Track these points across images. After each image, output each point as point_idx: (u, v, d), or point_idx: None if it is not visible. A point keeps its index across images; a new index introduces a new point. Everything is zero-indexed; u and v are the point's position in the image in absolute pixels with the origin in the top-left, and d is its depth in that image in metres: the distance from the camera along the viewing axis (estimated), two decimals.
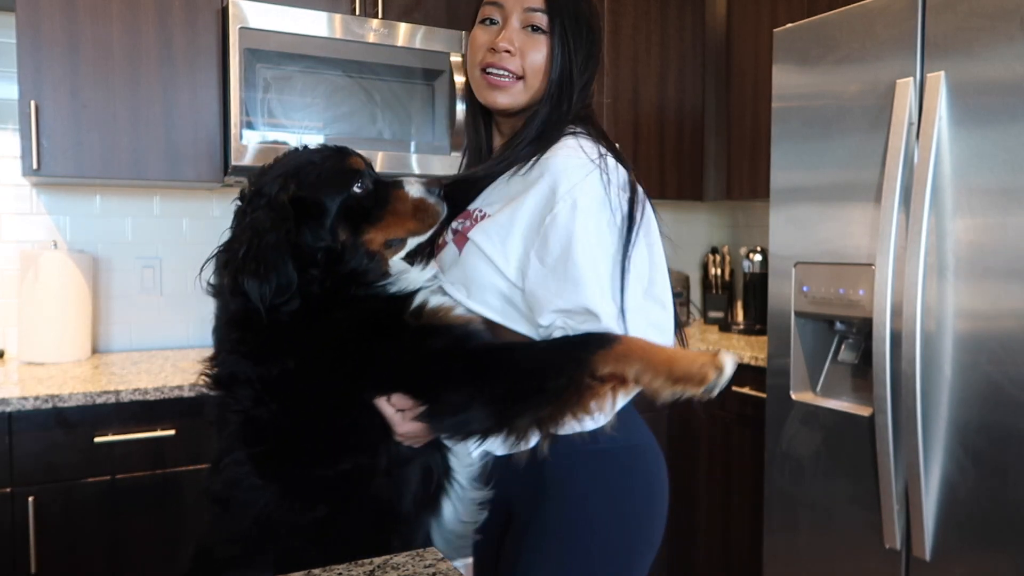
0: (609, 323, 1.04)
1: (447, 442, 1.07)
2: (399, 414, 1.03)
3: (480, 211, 1.14)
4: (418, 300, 1.07)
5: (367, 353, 1.03)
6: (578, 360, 1.00)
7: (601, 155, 1.11)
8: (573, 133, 1.15)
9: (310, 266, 1.03)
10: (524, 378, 1.01)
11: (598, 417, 1.03)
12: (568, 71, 1.15)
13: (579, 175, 1.07)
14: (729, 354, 0.97)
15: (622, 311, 1.07)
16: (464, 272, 1.12)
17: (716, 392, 0.97)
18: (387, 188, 1.12)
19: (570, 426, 1.03)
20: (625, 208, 1.10)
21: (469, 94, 1.24)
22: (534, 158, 1.12)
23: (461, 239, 1.13)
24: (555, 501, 1.12)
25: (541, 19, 1.14)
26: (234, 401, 1.05)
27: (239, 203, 1.14)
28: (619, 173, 1.12)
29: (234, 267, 1.04)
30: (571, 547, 1.11)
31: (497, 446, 1.04)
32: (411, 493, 1.06)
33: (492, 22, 1.17)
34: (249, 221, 1.08)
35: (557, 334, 1.07)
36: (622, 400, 1.04)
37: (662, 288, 1.15)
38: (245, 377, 1.04)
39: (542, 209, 1.07)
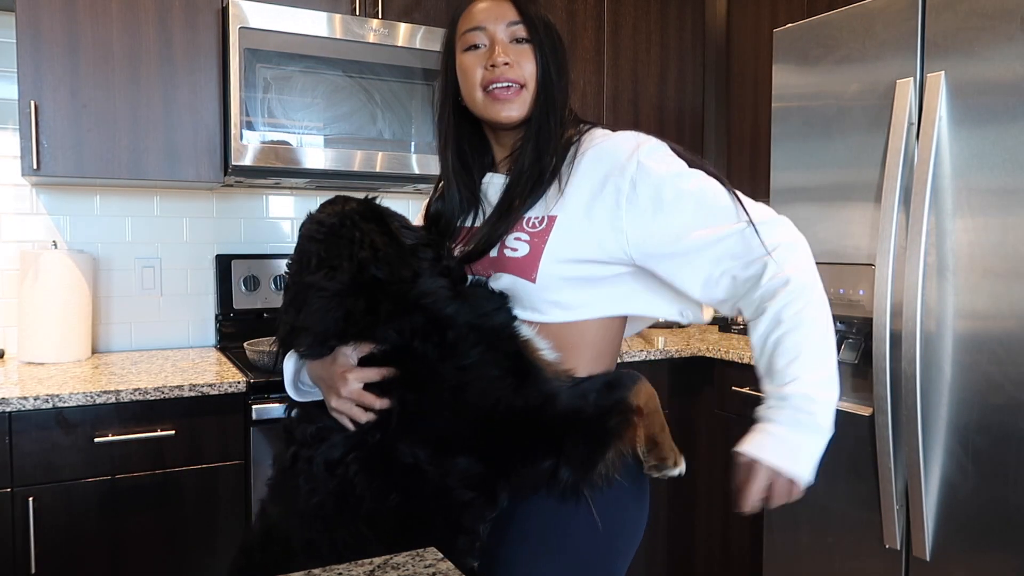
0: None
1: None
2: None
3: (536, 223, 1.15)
4: (521, 332, 1.11)
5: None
6: (621, 399, 1.10)
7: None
8: (588, 128, 1.23)
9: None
10: (594, 426, 1.09)
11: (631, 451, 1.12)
12: (553, 76, 1.19)
13: (629, 145, 1.14)
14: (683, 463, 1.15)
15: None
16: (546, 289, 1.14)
17: (664, 474, 1.14)
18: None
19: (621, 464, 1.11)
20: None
21: (453, 128, 1.26)
22: (567, 158, 1.16)
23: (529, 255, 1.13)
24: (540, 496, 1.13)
25: (522, 31, 1.17)
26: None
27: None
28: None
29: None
30: (553, 541, 1.11)
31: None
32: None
33: (477, 47, 1.19)
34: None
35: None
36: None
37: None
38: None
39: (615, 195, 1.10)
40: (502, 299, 1.12)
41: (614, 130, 1.25)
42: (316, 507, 1.05)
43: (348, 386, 1.06)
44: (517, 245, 1.12)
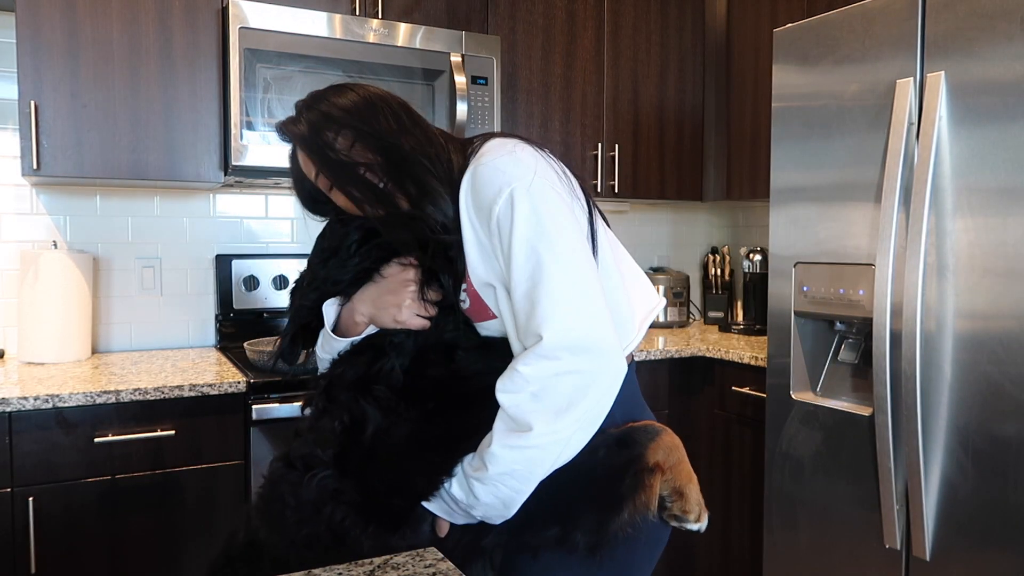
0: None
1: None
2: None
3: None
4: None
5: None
6: (634, 457, 1.06)
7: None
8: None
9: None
10: (605, 490, 1.05)
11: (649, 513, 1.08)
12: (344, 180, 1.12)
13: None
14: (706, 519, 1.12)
15: None
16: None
17: (683, 526, 1.11)
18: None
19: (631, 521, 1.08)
20: None
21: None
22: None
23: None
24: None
25: (308, 167, 1.15)
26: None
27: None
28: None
29: None
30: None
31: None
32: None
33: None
34: None
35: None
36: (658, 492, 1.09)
37: None
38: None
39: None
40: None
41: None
42: (307, 537, 1.03)
43: (407, 300, 1.10)
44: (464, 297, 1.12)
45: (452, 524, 1.06)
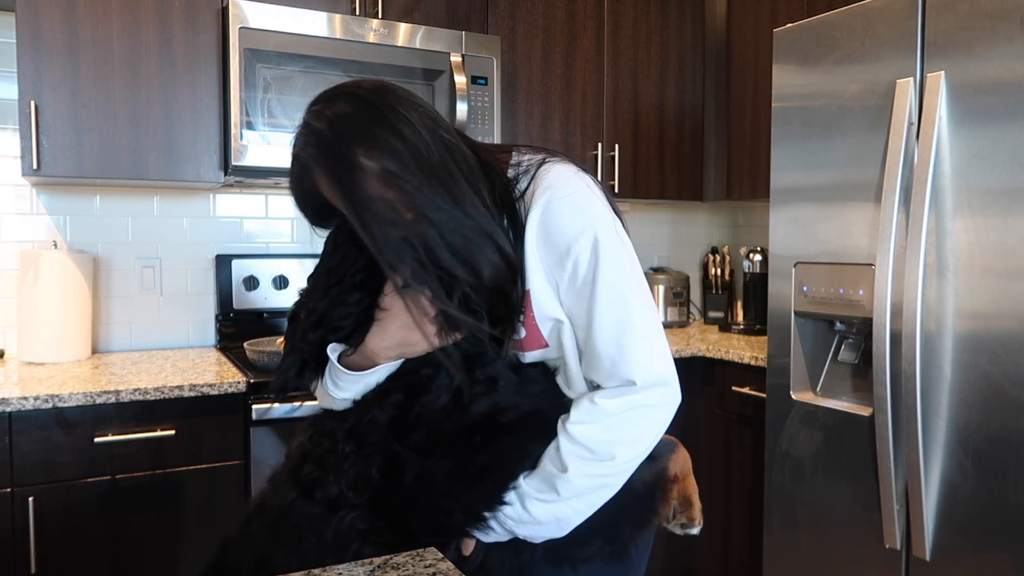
0: None
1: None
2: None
3: None
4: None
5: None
6: (661, 471, 1.11)
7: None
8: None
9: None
10: (643, 504, 1.10)
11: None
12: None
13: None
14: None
15: None
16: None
17: (687, 532, 1.16)
18: None
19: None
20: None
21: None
22: None
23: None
24: None
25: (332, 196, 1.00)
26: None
27: None
28: None
29: None
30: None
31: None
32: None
33: None
34: None
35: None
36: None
37: None
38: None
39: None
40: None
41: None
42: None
43: (433, 328, 1.01)
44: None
45: (478, 541, 1.05)
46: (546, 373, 1.09)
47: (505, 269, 1.00)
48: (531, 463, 1.03)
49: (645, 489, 1.09)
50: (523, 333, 1.06)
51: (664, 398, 1.02)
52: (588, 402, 1.01)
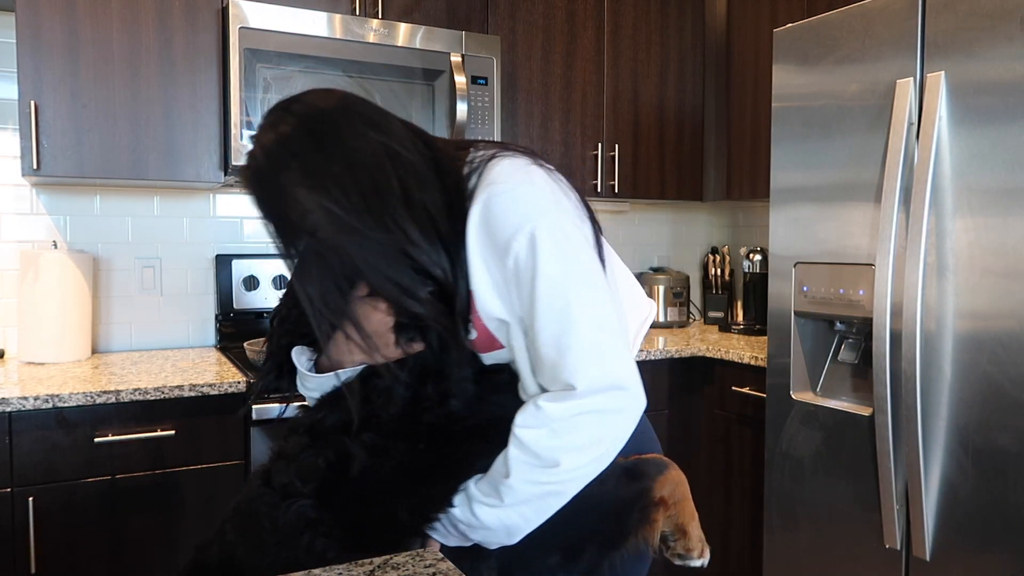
0: None
1: None
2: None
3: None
4: None
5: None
6: (642, 490, 1.04)
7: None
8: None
9: None
10: (611, 523, 1.03)
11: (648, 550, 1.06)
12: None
13: None
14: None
15: None
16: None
17: (687, 563, 1.07)
18: None
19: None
20: None
21: None
22: None
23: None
24: None
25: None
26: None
27: None
28: None
29: None
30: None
31: None
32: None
33: None
34: None
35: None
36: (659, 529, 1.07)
37: None
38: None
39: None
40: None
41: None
42: (287, 561, 1.00)
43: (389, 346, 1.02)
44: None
45: (442, 545, 1.04)
46: (514, 379, 1.05)
47: (438, 290, 0.98)
48: (484, 467, 1.00)
49: (618, 508, 1.03)
50: (474, 334, 1.03)
51: (620, 403, 0.95)
52: (533, 406, 0.96)
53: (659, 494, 1.05)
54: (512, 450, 0.96)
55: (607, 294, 0.98)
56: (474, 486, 0.99)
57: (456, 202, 1.00)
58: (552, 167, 1.04)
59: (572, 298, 0.94)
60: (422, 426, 1.02)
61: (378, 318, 1.01)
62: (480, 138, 1.11)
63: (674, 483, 1.07)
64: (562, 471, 0.94)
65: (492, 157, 1.01)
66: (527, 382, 1.01)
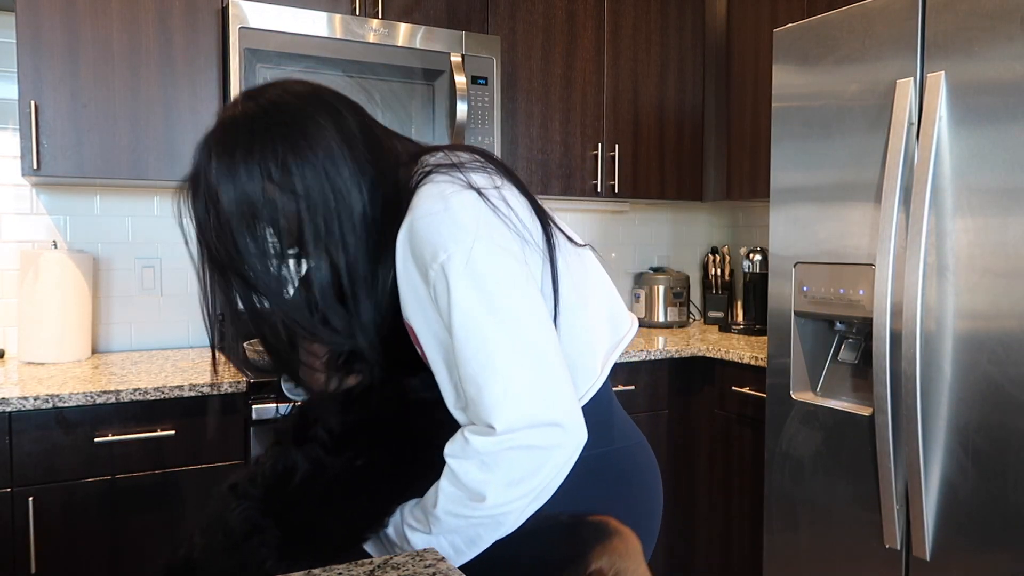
0: None
1: None
2: None
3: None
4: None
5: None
6: (574, 556, 0.97)
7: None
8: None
9: None
10: None
11: None
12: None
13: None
14: None
15: None
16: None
17: None
18: None
19: None
20: None
21: None
22: None
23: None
24: None
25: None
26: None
27: None
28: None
29: None
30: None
31: None
32: None
33: None
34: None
35: None
36: None
37: None
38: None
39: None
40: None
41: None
42: (235, 567, 0.99)
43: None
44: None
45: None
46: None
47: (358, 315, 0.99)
48: (422, 489, 0.97)
49: (545, 570, 0.96)
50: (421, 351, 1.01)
51: (553, 439, 0.88)
52: (461, 437, 0.91)
53: (595, 565, 0.97)
54: (443, 480, 0.92)
55: (535, 323, 0.91)
56: (408, 510, 0.97)
57: (387, 224, 0.98)
58: (500, 184, 0.99)
59: (489, 331, 0.89)
60: (361, 444, 1.01)
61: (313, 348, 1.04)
62: (438, 145, 1.07)
63: (617, 553, 0.99)
64: (487, 506, 0.89)
65: (424, 176, 0.98)
66: (453, 412, 0.98)
